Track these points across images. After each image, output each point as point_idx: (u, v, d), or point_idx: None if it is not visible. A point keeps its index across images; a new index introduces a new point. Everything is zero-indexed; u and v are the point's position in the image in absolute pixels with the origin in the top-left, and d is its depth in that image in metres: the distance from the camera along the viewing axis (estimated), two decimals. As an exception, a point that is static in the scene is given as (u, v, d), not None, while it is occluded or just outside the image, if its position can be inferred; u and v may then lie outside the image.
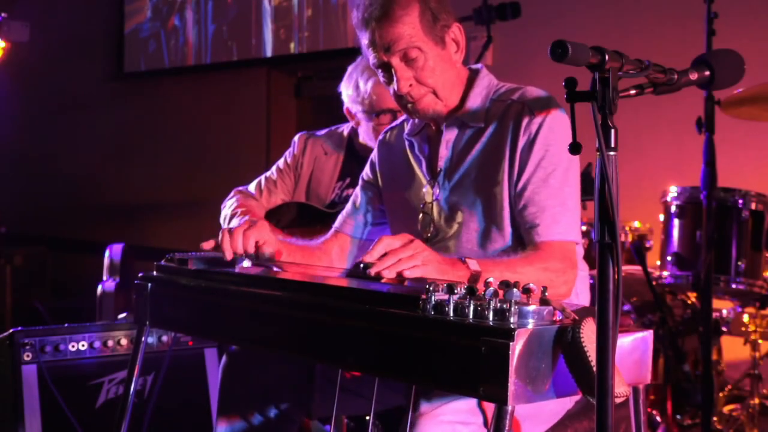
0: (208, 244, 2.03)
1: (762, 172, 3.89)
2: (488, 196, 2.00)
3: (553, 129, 1.96)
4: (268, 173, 2.98)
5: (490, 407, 1.70)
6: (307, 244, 2.28)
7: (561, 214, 1.93)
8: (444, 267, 1.72)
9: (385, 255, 1.68)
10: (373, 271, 1.64)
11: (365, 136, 2.82)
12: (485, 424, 1.69)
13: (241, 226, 2.01)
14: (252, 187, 2.95)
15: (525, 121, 1.97)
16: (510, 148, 1.98)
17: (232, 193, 2.91)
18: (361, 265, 1.65)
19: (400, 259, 1.66)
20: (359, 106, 2.79)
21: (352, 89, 2.80)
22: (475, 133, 2.05)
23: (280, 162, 2.98)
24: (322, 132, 3.01)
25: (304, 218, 2.83)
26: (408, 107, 2.06)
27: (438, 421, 1.64)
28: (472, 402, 1.69)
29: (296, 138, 3.01)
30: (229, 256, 1.98)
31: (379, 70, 2.04)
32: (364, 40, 2.01)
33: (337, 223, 2.33)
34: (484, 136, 2.04)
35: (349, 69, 2.84)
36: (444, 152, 2.09)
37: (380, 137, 2.34)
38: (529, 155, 1.95)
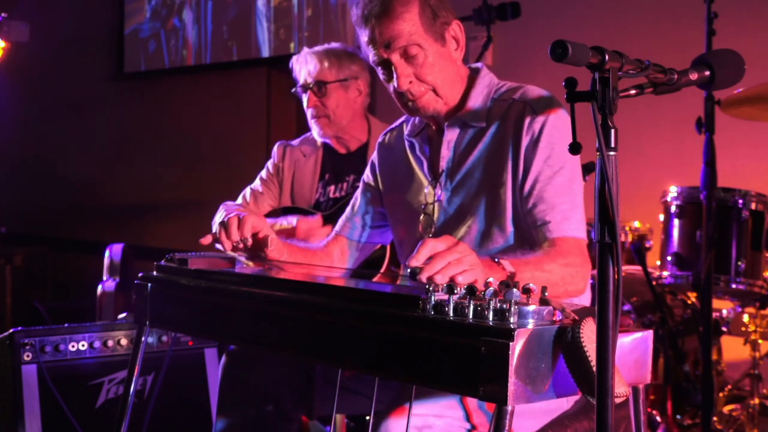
0: (205, 240, 2.03)
1: (762, 172, 3.89)
2: (491, 196, 2.00)
3: (557, 128, 1.96)
4: (252, 185, 3.08)
5: (471, 401, 1.71)
6: (309, 247, 2.28)
7: (571, 211, 1.93)
8: (485, 270, 1.67)
9: (431, 258, 1.60)
10: (423, 277, 1.55)
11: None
12: (466, 418, 1.70)
13: (234, 215, 2.01)
14: (238, 200, 3.01)
15: (527, 120, 1.97)
16: (513, 148, 1.98)
17: (220, 208, 2.94)
18: (408, 270, 1.59)
19: (449, 263, 1.58)
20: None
21: None
22: (477, 133, 2.05)
23: (263, 172, 3.08)
24: (297, 140, 3.12)
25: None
26: (408, 105, 2.06)
27: (407, 413, 1.64)
28: (452, 398, 1.69)
29: (275, 148, 3.11)
30: (228, 247, 1.98)
31: (379, 68, 2.04)
32: (364, 37, 2.02)
33: (337, 226, 2.34)
34: (486, 136, 2.04)
35: None
36: (446, 153, 2.09)
37: (379, 139, 2.34)
38: (534, 154, 1.95)
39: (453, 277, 1.57)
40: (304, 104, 2.97)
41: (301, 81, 2.97)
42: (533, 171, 1.95)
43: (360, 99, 2.96)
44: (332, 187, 2.96)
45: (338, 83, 2.90)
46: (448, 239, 1.65)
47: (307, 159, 3.03)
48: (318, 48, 2.97)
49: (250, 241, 1.99)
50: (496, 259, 1.75)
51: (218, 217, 2.80)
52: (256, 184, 3.06)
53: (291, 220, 2.82)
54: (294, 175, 3.03)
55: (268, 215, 2.96)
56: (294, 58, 3.01)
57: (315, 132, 2.97)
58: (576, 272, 1.87)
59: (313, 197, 2.98)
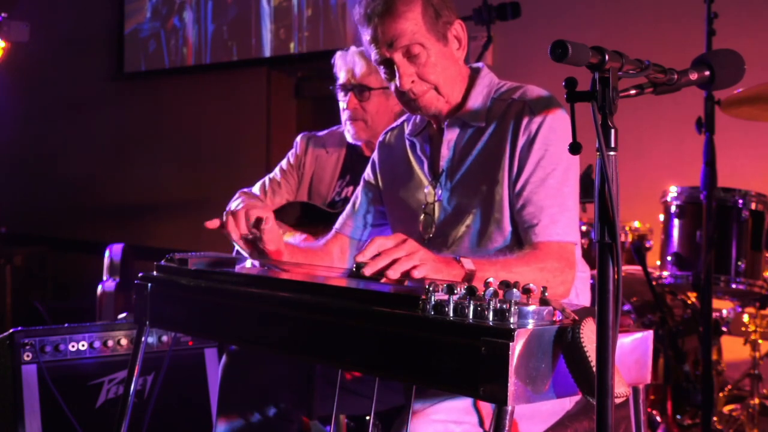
0: (212, 223, 2.01)
1: (762, 172, 3.89)
2: (489, 195, 2.00)
3: (554, 129, 1.96)
4: (271, 175, 3.00)
5: (485, 406, 1.71)
6: (309, 246, 2.28)
7: (559, 215, 1.92)
8: (439, 266, 1.71)
9: (378, 255, 1.65)
10: (367, 272, 1.60)
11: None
12: (480, 423, 1.69)
13: (243, 206, 2.01)
14: (256, 188, 2.97)
15: (525, 120, 1.97)
16: (510, 147, 1.98)
17: (236, 194, 2.92)
18: (354, 266, 1.64)
19: (397, 259, 1.63)
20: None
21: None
22: (476, 133, 2.05)
23: (283, 163, 3.00)
24: (323, 132, 3.04)
25: (308, 217, 2.84)
26: (410, 104, 2.06)
27: (430, 420, 1.64)
28: (466, 401, 1.69)
29: (298, 138, 3.04)
30: (235, 237, 1.98)
31: (381, 67, 2.04)
32: (366, 36, 2.02)
33: (337, 224, 2.34)
34: (485, 136, 2.04)
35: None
36: (445, 152, 2.09)
37: (380, 138, 2.34)
38: (529, 155, 1.95)
39: (407, 272, 1.61)
40: (342, 104, 2.85)
41: (342, 80, 2.84)
42: (525, 172, 1.95)
43: (398, 107, 2.86)
44: (350, 188, 2.91)
45: (382, 90, 2.80)
46: (398, 236, 1.68)
47: (330, 155, 2.96)
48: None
49: (258, 233, 1.99)
50: (457, 257, 1.76)
51: (233, 206, 2.81)
52: (276, 174, 2.99)
53: (297, 239, 2.78)
54: (315, 171, 2.97)
55: (282, 209, 2.93)
56: (339, 54, 2.88)
57: (349, 134, 2.87)
58: (552, 277, 1.86)
59: (330, 195, 2.93)
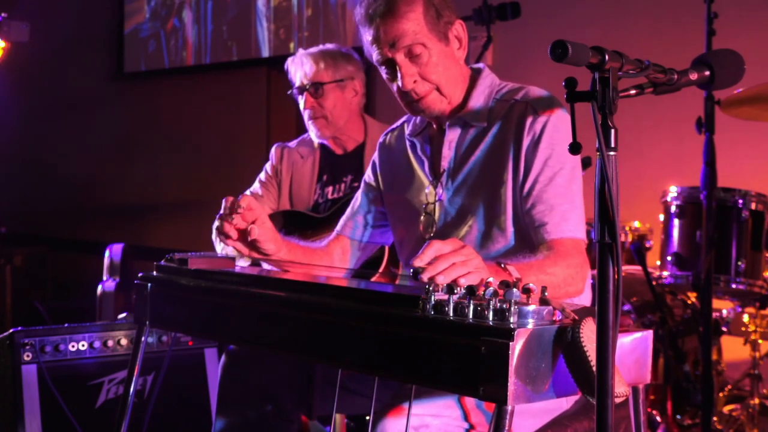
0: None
1: (762, 172, 3.89)
2: (492, 196, 2.00)
3: (558, 128, 1.96)
4: (251, 188, 3.10)
5: (469, 401, 1.71)
6: (309, 245, 2.28)
7: (569, 212, 1.93)
8: (491, 274, 1.64)
9: (435, 259, 1.58)
10: (425, 277, 1.54)
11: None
12: (464, 418, 1.69)
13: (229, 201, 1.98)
14: None
15: (529, 120, 1.97)
16: (514, 148, 1.98)
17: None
18: (411, 270, 1.59)
19: (453, 264, 1.57)
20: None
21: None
22: (479, 133, 2.06)
23: (261, 175, 3.09)
24: (294, 142, 3.13)
25: (294, 225, 2.87)
26: (413, 105, 2.06)
27: (405, 413, 1.64)
28: (449, 398, 1.69)
29: (272, 150, 3.13)
30: (229, 230, 1.95)
31: (383, 67, 2.04)
32: (368, 36, 2.02)
33: (338, 226, 2.34)
34: (487, 136, 2.04)
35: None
36: (447, 152, 2.09)
37: (381, 139, 2.34)
38: (535, 155, 1.95)
39: (456, 279, 1.56)
40: (301, 106, 2.98)
41: (297, 83, 2.99)
42: (533, 172, 1.95)
43: (356, 99, 2.99)
44: (330, 188, 2.98)
45: (335, 84, 2.92)
46: (455, 242, 1.64)
47: (305, 161, 3.04)
48: (313, 49, 2.99)
49: (241, 211, 1.93)
50: (502, 264, 1.75)
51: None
52: (255, 187, 3.06)
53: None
54: (292, 177, 3.04)
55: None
56: (289, 60, 3.03)
57: (313, 133, 2.98)
58: (576, 273, 1.88)
59: (312, 199, 2.99)
